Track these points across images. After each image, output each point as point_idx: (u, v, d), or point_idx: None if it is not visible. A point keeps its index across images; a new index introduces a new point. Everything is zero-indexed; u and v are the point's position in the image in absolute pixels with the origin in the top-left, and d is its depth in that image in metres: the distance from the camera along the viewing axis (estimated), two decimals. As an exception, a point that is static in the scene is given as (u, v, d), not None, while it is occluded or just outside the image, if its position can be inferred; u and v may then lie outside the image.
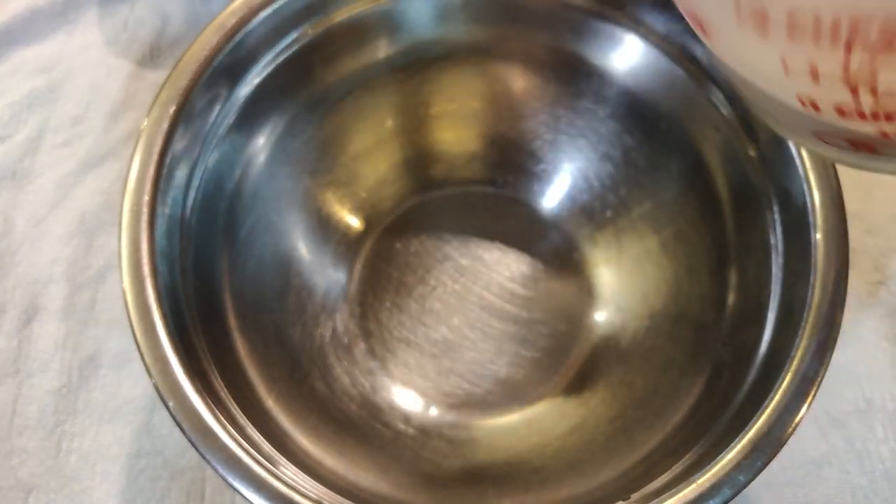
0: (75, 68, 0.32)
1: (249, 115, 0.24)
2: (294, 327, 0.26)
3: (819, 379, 0.19)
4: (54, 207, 0.30)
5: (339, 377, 0.27)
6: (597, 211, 0.29)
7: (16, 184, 0.31)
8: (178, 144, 0.21)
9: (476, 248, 0.29)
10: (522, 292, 0.28)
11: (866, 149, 0.16)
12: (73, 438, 0.27)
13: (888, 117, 0.14)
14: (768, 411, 0.19)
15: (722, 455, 0.19)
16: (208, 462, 0.18)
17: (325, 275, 0.28)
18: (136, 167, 0.21)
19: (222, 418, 0.19)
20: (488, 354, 0.27)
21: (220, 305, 0.23)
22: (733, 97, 0.23)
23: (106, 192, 0.30)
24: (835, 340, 0.19)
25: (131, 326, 0.19)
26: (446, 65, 0.27)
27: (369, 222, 0.29)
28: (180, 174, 0.22)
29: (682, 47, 0.24)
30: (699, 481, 0.18)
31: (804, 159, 0.21)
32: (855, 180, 0.30)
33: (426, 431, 0.26)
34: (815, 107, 0.15)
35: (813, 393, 0.19)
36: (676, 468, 0.20)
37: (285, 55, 0.24)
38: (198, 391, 0.19)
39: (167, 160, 0.21)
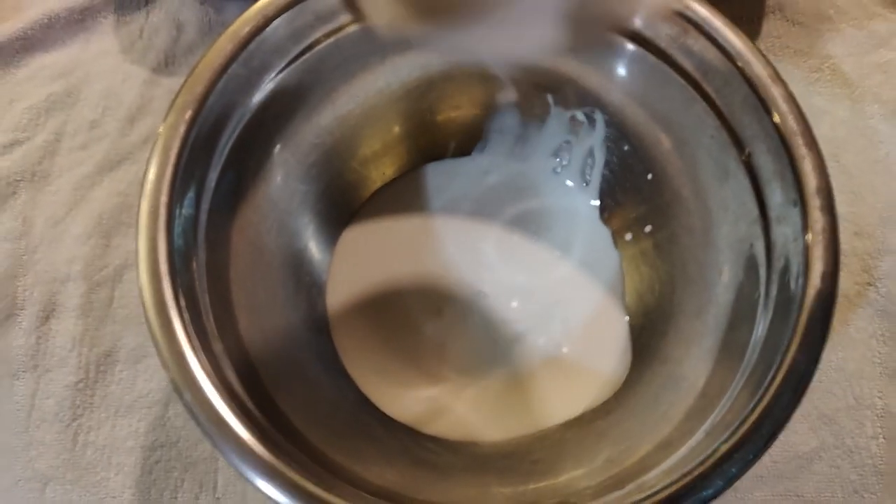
0: (92, 74, 0.33)
1: (263, 120, 0.24)
2: (305, 324, 0.27)
3: (809, 376, 0.19)
4: (72, 208, 0.31)
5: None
6: (595, 214, 0.30)
7: (35, 185, 0.31)
8: (195, 148, 0.22)
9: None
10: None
11: None
12: (89, 431, 0.27)
13: None
14: (760, 407, 0.19)
15: (715, 448, 0.19)
16: (222, 452, 0.19)
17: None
18: (154, 170, 0.21)
19: (236, 411, 0.19)
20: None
21: (234, 303, 0.23)
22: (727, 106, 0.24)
23: (122, 193, 0.31)
24: (825, 339, 0.20)
25: (148, 322, 0.20)
26: (451, 73, 0.28)
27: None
28: (197, 177, 0.22)
29: (677, 55, 0.24)
30: (692, 473, 0.19)
31: (797, 163, 0.21)
32: (844, 184, 0.31)
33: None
34: None
35: (804, 390, 0.19)
36: (670, 460, 0.20)
37: (297, 62, 0.24)
38: (212, 385, 0.19)
39: (184, 162, 0.21)
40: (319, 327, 0.28)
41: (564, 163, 0.30)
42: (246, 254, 0.24)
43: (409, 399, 0.27)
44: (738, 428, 0.19)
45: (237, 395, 0.20)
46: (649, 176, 0.27)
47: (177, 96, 0.22)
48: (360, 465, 0.22)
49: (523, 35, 0.18)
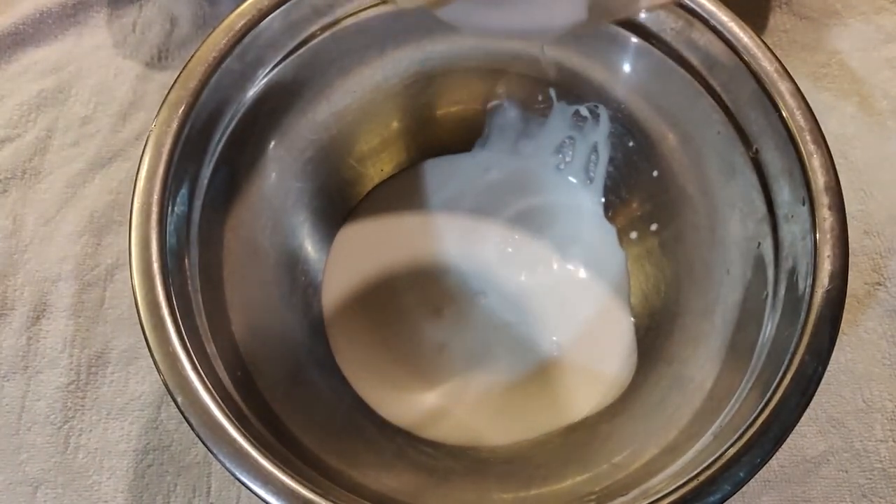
0: (84, 69, 0.33)
1: (257, 115, 0.24)
2: (300, 325, 0.27)
3: (818, 378, 0.19)
4: (63, 206, 0.30)
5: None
6: (599, 212, 0.30)
7: (25, 183, 0.31)
8: (188, 144, 0.22)
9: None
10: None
11: None
12: (80, 434, 0.27)
13: None
14: (768, 410, 0.19)
15: (722, 452, 0.19)
16: (216, 456, 0.18)
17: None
18: (146, 166, 0.21)
19: (230, 414, 0.19)
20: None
21: (227, 303, 0.23)
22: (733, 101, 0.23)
23: (114, 191, 0.31)
24: (834, 340, 0.20)
25: (140, 323, 0.20)
26: (451, 67, 0.28)
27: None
28: (189, 173, 0.22)
29: (683, 49, 0.24)
30: (699, 478, 0.18)
31: (805, 160, 0.21)
32: (853, 182, 0.30)
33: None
34: None
35: (812, 392, 0.19)
36: (676, 464, 0.20)
37: (293, 57, 0.24)
38: (206, 387, 0.19)
39: (176, 159, 0.21)
40: (315, 328, 0.27)
41: (567, 159, 0.30)
42: (239, 252, 0.24)
43: (407, 402, 0.26)
44: (745, 431, 0.19)
45: (231, 398, 0.20)
46: (655, 173, 0.27)
47: (170, 91, 0.22)
48: (357, 470, 0.22)
49: (556, 7, 0.17)
